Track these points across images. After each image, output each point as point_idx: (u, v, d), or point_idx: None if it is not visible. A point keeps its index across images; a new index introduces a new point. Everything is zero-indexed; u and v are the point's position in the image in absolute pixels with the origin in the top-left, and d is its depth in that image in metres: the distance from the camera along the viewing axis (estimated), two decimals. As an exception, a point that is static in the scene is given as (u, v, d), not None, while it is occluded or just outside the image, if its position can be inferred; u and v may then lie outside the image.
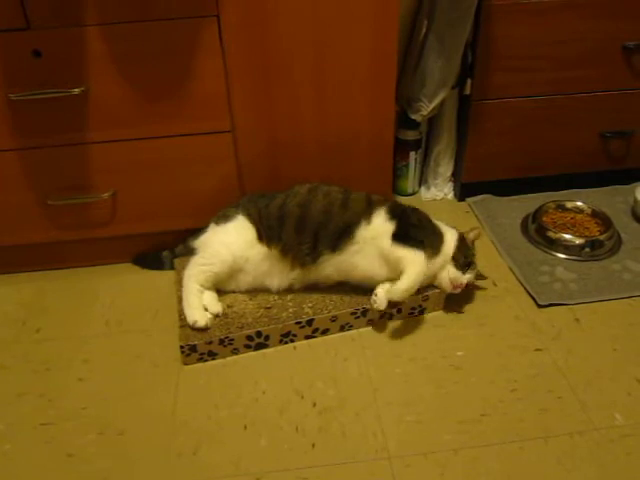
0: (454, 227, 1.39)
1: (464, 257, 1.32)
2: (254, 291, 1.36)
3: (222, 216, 1.36)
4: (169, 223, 1.49)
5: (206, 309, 1.29)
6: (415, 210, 1.37)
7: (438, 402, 1.16)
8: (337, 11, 1.29)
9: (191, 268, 1.33)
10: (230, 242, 1.32)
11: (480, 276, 1.41)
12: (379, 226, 1.29)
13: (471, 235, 1.37)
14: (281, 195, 1.36)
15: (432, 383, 1.20)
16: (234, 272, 1.33)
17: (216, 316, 1.30)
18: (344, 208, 1.31)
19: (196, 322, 1.25)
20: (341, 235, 1.28)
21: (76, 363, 1.28)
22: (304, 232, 1.29)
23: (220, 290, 1.36)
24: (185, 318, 1.27)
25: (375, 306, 1.27)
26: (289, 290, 1.36)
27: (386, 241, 1.27)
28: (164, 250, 1.52)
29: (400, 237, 1.26)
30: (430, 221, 1.36)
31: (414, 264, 1.24)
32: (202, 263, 1.32)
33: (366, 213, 1.30)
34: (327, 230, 1.28)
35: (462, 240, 1.35)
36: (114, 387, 1.22)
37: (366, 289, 1.32)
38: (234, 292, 1.37)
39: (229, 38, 1.28)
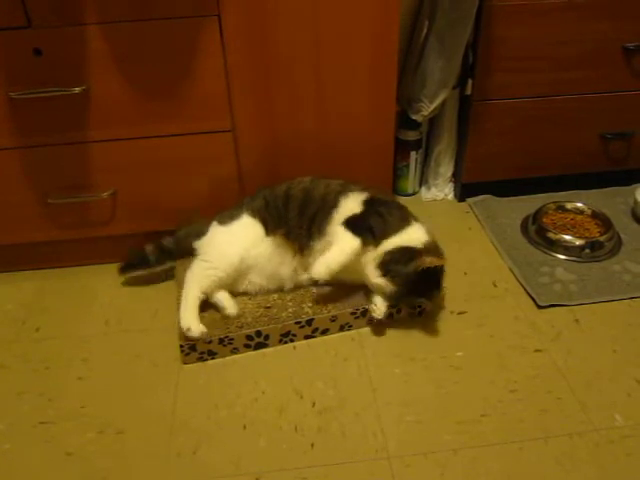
0: (428, 241, 1.27)
1: (388, 263, 1.23)
2: (264, 292, 1.36)
3: (227, 216, 1.34)
4: (169, 222, 1.49)
5: (224, 309, 1.28)
6: (391, 204, 1.33)
7: (438, 402, 1.16)
8: (337, 11, 1.29)
9: (195, 271, 1.30)
10: (236, 242, 1.30)
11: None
12: (347, 210, 1.29)
13: (427, 261, 1.20)
14: (285, 183, 1.37)
15: (432, 383, 1.20)
16: (241, 274, 1.31)
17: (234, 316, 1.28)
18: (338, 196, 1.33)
19: (189, 329, 1.22)
20: (325, 218, 1.30)
21: (76, 362, 1.28)
22: (305, 215, 1.31)
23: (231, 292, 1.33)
24: (179, 321, 1.24)
25: (375, 315, 1.28)
26: (298, 284, 1.36)
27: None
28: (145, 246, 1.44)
29: (350, 222, 1.27)
30: (401, 219, 1.30)
31: (342, 242, 1.24)
32: (207, 267, 1.29)
33: (343, 197, 1.32)
34: (322, 215, 1.30)
35: (406, 251, 1.23)
36: (114, 386, 1.22)
37: (366, 290, 1.32)
38: (245, 294, 1.35)
39: (230, 38, 1.28)
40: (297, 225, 1.31)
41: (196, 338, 1.23)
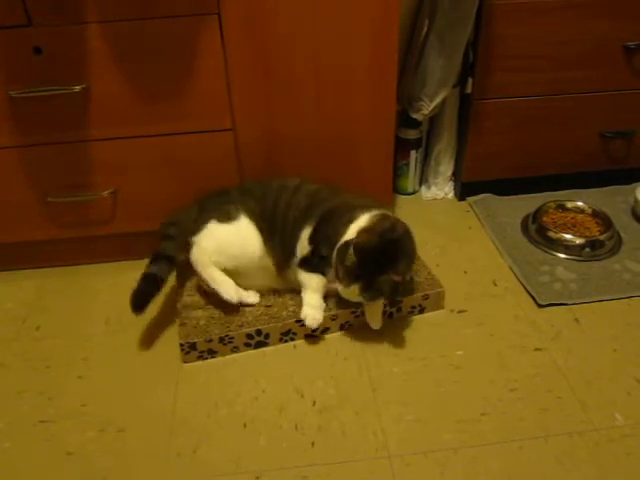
0: (363, 226, 1.19)
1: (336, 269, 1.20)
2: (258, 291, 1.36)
3: (224, 214, 1.30)
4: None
5: (250, 303, 1.32)
6: (337, 215, 1.25)
7: (438, 401, 1.16)
8: (337, 10, 1.29)
9: (204, 256, 1.27)
10: (243, 244, 1.28)
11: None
12: (302, 248, 1.28)
13: (355, 241, 1.14)
14: (274, 185, 1.34)
15: (432, 382, 1.20)
16: (241, 274, 1.30)
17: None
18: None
19: (243, 295, 1.28)
20: (291, 255, 1.30)
21: (76, 361, 1.28)
22: (285, 238, 1.29)
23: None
24: (220, 295, 1.24)
25: (371, 326, 1.30)
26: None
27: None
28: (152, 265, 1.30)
29: (304, 263, 1.27)
30: (349, 220, 1.22)
31: (308, 283, 1.28)
32: (215, 257, 1.26)
33: (305, 222, 1.28)
34: (289, 247, 1.29)
35: (342, 249, 1.17)
36: (114, 385, 1.22)
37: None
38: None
39: (230, 36, 1.28)
40: (278, 248, 1.30)
41: (251, 303, 1.31)
